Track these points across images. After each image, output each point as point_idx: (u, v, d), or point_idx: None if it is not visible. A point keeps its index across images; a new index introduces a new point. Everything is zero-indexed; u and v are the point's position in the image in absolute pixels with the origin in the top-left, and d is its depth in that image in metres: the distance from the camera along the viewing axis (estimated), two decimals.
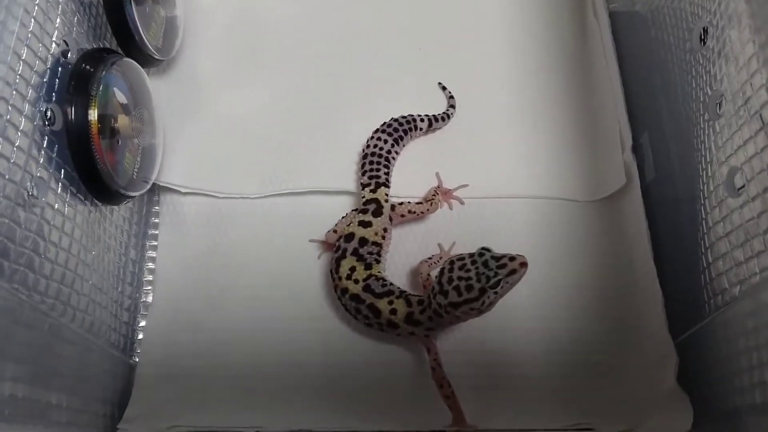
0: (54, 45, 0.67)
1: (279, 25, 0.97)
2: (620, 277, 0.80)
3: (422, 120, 0.87)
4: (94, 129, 0.67)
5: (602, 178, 0.84)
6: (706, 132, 0.69)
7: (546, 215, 0.84)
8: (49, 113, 0.64)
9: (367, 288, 0.74)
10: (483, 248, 0.69)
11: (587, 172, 0.85)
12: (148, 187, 0.80)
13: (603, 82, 0.90)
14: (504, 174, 0.86)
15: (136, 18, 0.78)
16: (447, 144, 0.88)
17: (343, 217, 0.82)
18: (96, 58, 0.71)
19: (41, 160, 0.63)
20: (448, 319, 0.71)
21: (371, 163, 0.83)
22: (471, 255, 0.69)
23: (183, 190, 0.85)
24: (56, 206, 0.65)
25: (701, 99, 0.70)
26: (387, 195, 0.82)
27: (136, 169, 0.77)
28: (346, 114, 0.90)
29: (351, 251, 0.77)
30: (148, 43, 0.80)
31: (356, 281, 0.75)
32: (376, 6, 0.98)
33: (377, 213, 0.79)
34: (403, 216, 0.81)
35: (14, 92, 0.59)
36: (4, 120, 0.57)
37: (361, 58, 0.94)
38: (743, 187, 0.62)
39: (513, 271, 0.66)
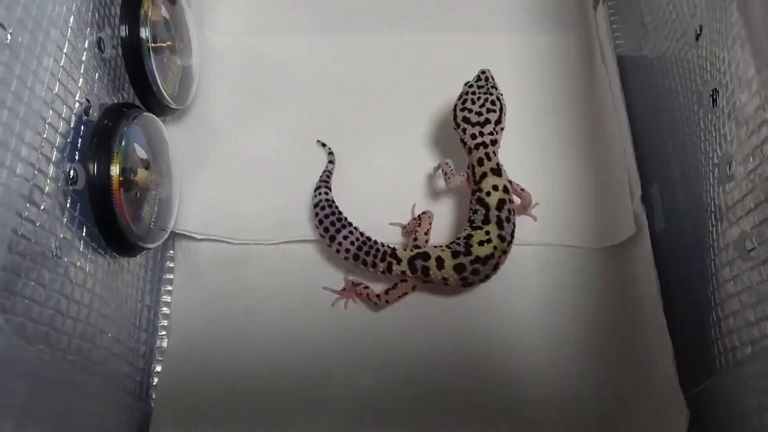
0: (77, 104, 0.68)
1: (291, 69, 0.99)
2: (630, 327, 0.81)
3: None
4: (116, 185, 0.69)
5: (612, 226, 0.85)
6: (717, 189, 0.70)
7: (556, 262, 0.85)
8: (72, 173, 0.65)
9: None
10: (465, 84, 0.86)
11: (597, 220, 0.87)
12: (166, 237, 0.81)
13: (612, 128, 0.91)
14: (516, 221, 0.86)
15: (155, 69, 0.79)
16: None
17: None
18: (117, 113, 0.72)
19: (65, 221, 0.64)
20: (500, 140, 0.83)
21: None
22: (463, 93, 0.85)
23: (198, 237, 0.87)
24: (78, 264, 0.66)
25: (711, 157, 0.71)
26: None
27: (153, 219, 0.78)
28: (361, 163, 0.91)
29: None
30: (165, 93, 0.82)
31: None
32: (388, 49, 1.00)
33: None
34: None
35: (40, 155, 0.60)
36: (31, 184, 0.58)
37: (374, 100, 0.96)
38: (754, 249, 0.63)
39: (492, 77, 0.86)
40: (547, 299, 0.83)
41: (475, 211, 0.80)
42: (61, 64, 0.65)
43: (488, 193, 0.79)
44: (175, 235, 0.88)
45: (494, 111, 0.82)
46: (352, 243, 0.80)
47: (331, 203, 0.83)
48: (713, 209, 0.71)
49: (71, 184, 0.65)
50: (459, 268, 0.77)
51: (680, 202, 0.79)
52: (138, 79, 0.78)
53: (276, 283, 0.85)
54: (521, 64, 0.98)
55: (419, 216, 0.85)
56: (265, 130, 0.94)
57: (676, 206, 0.81)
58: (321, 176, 0.87)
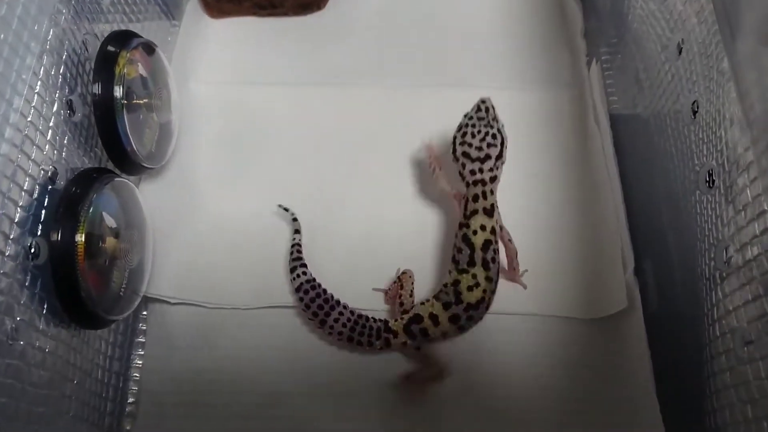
0: (42, 172, 0.64)
1: (274, 121, 0.96)
2: (621, 402, 0.77)
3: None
4: (80, 254, 0.65)
5: (603, 297, 0.82)
6: (713, 273, 0.67)
7: (545, 332, 0.82)
8: (33, 248, 0.62)
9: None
10: (464, 115, 0.82)
11: (588, 290, 0.83)
12: (137, 303, 0.78)
13: (605, 194, 0.88)
14: (504, 289, 0.83)
15: (128, 129, 0.76)
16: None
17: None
18: (86, 180, 0.69)
19: (23, 300, 0.60)
20: (500, 175, 0.80)
21: None
22: (463, 126, 0.81)
23: (172, 301, 0.83)
24: (37, 344, 0.62)
25: (708, 238, 0.68)
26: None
27: (123, 286, 0.74)
28: (344, 222, 0.88)
29: None
30: (139, 153, 0.78)
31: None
32: (374, 103, 0.97)
33: None
34: None
35: None
36: None
37: (358, 159, 0.93)
38: (751, 343, 0.60)
39: (493, 107, 0.81)
40: (536, 369, 0.80)
41: (460, 250, 0.78)
42: (26, 133, 0.62)
43: (475, 232, 0.77)
44: (147, 298, 0.84)
45: (495, 146, 0.79)
46: (344, 325, 0.77)
47: (313, 284, 0.79)
48: (708, 293, 0.68)
49: (32, 260, 0.62)
50: (454, 319, 0.76)
51: (674, 281, 0.76)
52: (110, 141, 0.75)
53: (252, 351, 0.81)
54: (512, 122, 0.94)
55: (399, 278, 0.82)
56: (245, 187, 0.91)
57: (671, 284, 0.77)
58: (291, 253, 0.82)
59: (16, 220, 0.60)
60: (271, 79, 1.00)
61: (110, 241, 0.70)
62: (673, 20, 0.81)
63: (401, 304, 0.80)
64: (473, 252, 0.76)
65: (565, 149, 0.93)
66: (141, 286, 0.79)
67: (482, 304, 0.76)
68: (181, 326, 0.83)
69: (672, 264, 0.77)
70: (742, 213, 0.61)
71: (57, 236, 0.64)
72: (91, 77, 0.74)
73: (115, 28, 0.84)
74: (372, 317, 0.79)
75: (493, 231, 0.77)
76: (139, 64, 0.80)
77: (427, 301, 0.78)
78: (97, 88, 0.73)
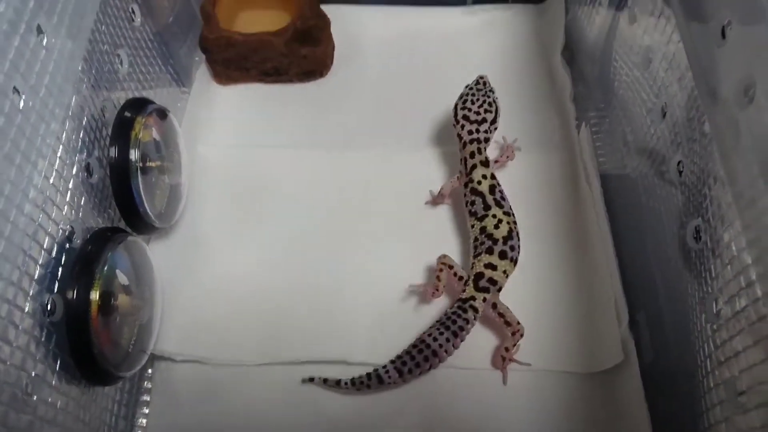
0: (60, 232, 0.67)
1: (282, 182, 1.00)
2: None
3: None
4: (94, 312, 0.67)
5: (599, 351, 0.84)
6: (704, 325, 0.69)
7: (542, 387, 0.83)
8: (50, 305, 0.64)
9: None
10: (465, 86, 0.97)
11: (583, 345, 0.85)
12: (144, 361, 0.79)
13: (598, 251, 0.91)
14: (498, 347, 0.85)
15: (142, 190, 0.80)
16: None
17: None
18: (101, 239, 0.72)
19: (38, 356, 0.62)
20: (492, 136, 0.94)
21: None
22: (463, 95, 0.97)
23: (178, 359, 0.84)
24: (50, 399, 0.64)
25: (697, 292, 0.71)
26: None
27: (132, 343, 0.76)
28: (347, 280, 0.90)
29: None
30: (151, 214, 0.81)
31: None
32: (372, 168, 1.02)
33: None
34: None
35: (18, 290, 0.59)
36: (5, 322, 0.57)
37: (358, 218, 0.96)
38: (743, 393, 0.61)
39: (488, 81, 0.98)
40: (533, 424, 0.81)
41: (473, 202, 0.89)
42: (47, 195, 0.65)
43: (479, 182, 0.89)
44: (153, 356, 0.85)
45: (490, 112, 0.93)
46: (440, 334, 0.80)
47: (404, 362, 0.80)
48: (701, 344, 0.70)
49: (48, 316, 0.64)
50: (503, 255, 0.84)
51: (668, 334, 0.78)
52: (125, 201, 0.78)
53: (258, 407, 0.82)
54: (506, 183, 0.98)
55: (440, 265, 0.86)
56: (250, 245, 0.93)
57: (665, 337, 0.80)
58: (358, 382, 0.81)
59: (36, 277, 0.62)
60: (276, 142, 1.04)
61: (122, 299, 0.73)
62: (656, 86, 0.86)
63: (460, 278, 0.85)
64: (484, 198, 0.88)
65: (559, 208, 0.97)
66: (149, 344, 0.80)
67: (513, 233, 0.86)
68: (187, 383, 0.84)
69: (665, 317, 0.80)
70: (729, 267, 0.64)
71: (73, 294, 0.66)
72: (108, 141, 0.78)
73: (130, 95, 0.89)
74: (447, 312, 0.82)
75: (493, 176, 0.91)
76: (153, 128, 0.84)
77: (473, 265, 0.85)
78: (114, 152, 0.77)
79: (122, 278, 0.73)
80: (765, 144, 0.59)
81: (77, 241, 0.70)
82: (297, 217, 0.96)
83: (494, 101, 0.95)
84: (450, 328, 0.80)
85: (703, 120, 0.72)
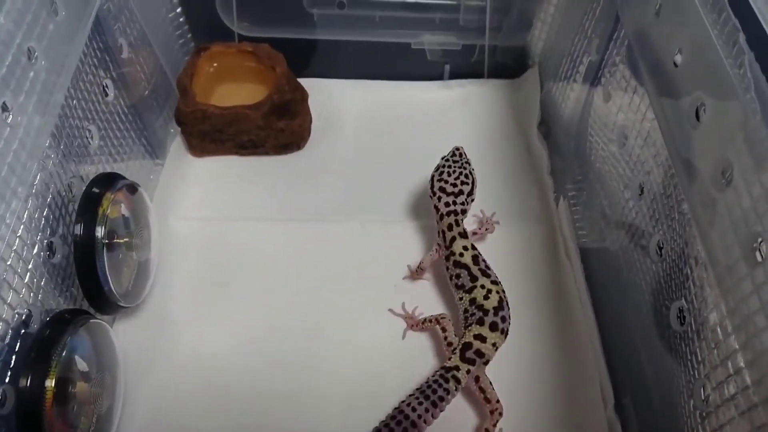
0: (16, 317, 0.64)
1: (255, 257, 0.97)
2: None
3: None
4: (49, 403, 0.63)
5: None
6: (692, 410, 0.66)
7: None
8: (0, 396, 0.59)
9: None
10: (441, 157, 0.97)
11: (569, 427, 0.82)
12: None
13: (581, 330, 0.89)
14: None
15: (107, 269, 0.76)
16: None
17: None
18: (61, 322, 0.68)
19: None
20: (469, 209, 0.93)
21: None
22: (439, 167, 0.96)
23: None
24: None
25: (684, 377, 0.68)
26: None
27: None
28: (323, 360, 0.87)
29: None
30: (116, 292, 0.78)
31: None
32: (349, 241, 1.00)
33: None
34: None
35: None
36: None
37: (336, 293, 0.94)
38: None
39: (464, 153, 0.98)
40: None
41: (458, 276, 0.87)
42: (4, 278, 0.61)
43: (461, 254, 0.88)
44: None
45: (467, 183, 0.93)
46: (420, 404, 0.77)
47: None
48: (691, 429, 0.67)
49: None
50: (494, 327, 0.82)
51: (657, 419, 0.75)
52: (88, 281, 0.75)
53: None
54: (487, 256, 0.97)
55: (439, 321, 0.87)
56: (221, 323, 0.90)
57: (653, 422, 0.76)
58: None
59: None
60: (250, 215, 1.02)
61: (81, 386, 0.68)
62: (632, 162, 0.87)
63: (449, 344, 0.84)
64: (469, 269, 0.87)
65: (539, 283, 0.95)
66: None
67: (503, 303, 0.85)
68: None
69: (652, 400, 0.77)
70: (715, 351, 0.62)
71: (26, 382, 0.62)
72: (73, 218, 0.76)
73: (101, 168, 0.87)
74: (428, 380, 0.79)
75: (474, 248, 0.90)
76: (122, 204, 0.82)
77: (463, 335, 0.83)
78: (79, 229, 0.74)
79: (81, 364, 0.69)
80: (744, 227, 0.58)
81: (34, 326, 0.66)
82: (271, 293, 0.93)
83: (470, 173, 0.94)
84: (430, 398, 0.77)
85: (681, 199, 0.72)
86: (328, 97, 1.19)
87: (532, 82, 1.19)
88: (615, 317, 0.90)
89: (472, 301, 0.85)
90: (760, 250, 0.56)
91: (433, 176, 0.95)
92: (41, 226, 0.69)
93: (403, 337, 0.89)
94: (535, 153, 1.12)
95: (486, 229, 0.99)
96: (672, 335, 0.72)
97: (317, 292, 0.94)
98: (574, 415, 0.83)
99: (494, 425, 0.79)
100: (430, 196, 0.94)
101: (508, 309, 0.85)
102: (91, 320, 0.72)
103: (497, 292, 0.85)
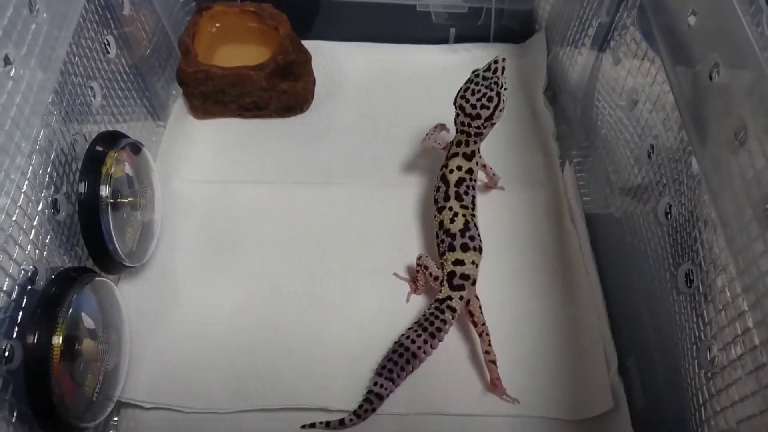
0: (22, 272, 0.63)
1: (259, 219, 0.97)
2: None
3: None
4: (56, 358, 0.63)
5: (588, 397, 0.81)
6: (697, 373, 0.67)
7: None
8: (8, 351, 0.59)
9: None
10: (473, 71, 0.90)
11: (572, 390, 0.82)
12: (110, 409, 0.74)
13: (585, 293, 0.89)
14: (487, 391, 0.82)
15: (112, 228, 0.76)
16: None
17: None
18: (67, 280, 0.68)
19: None
20: (486, 132, 0.90)
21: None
22: (468, 81, 0.89)
23: (146, 406, 0.79)
24: None
25: (690, 338, 0.69)
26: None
27: (97, 391, 0.71)
28: (326, 322, 0.87)
29: None
30: (121, 252, 0.78)
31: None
32: (352, 204, 0.99)
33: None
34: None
35: None
36: None
37: (339, 256, 0.93)
38: None
39: (502, 68, 0.89)
40: None
41: (438, 189, 0.90)
42: (9, 233, 0.61)
43: (451, 171, 0.89)
44: (120, 403, 0.80)
45: (488, 108, 0.87)
46: (418, 336, 0.79)
47: (390, 369, 0.78)
48: (695, 392, 0.67)
49: (5, 364, 0.59)
50: (465, 248, 0.84)
51: (660, 380, 0.76)
52: (93, 240, 0.74)
53: None
54: (490, 220, 0.97)
55: (419, 264, 0.87)
56: (225, 285, 0.89)
57: (656, 384, 0.77)
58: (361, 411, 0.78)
59: None
60: (253, 177, 1.02)
61: (87, 343, 0.68)
62: (640, 127, 0.86)
63: (435, 278, 0.85)
64: (448, 188, 0.88)
65: (544, 247, 0.95)
66: (115, 391, 0.76)
67: (470, 224, 0.86)
68: (155, 430, 0.79)
69: (656, 362, 0.77)
70: (723, 313, 0.63)
71: (33, 339, 0.62)
72: (77, 177, 0.75)
73: (103, 128, 0.86)
74: (425, 313, 0.82)
75: (469, 171, 0.89)
76: (126, 163, 0.81)
77: (441, 265, 0.85)
78: (83, 187, 0.74)
79: (88, 322, 0.68)
80: (758, 188, 0.58)
81: (40, 283, 0.66)
82: (274, 256, 0.93)
83: (498, 94, 0.88)
84: (428, 330, 0.80)
85: (690, 161, 0.72)
86: (332, 59, 1.17)
87: (539, 47, 1.17)
88: (619, 282, 0.90)
89: (441, 224, 0.87)
90: None
91: (459, 89, 0.91)
92: (45, 182, 0.69)
93: (407, 300, 0.89)
94: (540, 118, 1.11)
95: (493, 175, 0.97)
96: (678, 298, 0.72)
97: (320, 256, 0.93)
98: (578, 378, 0.83)
99: (488, 344, 0.81)
100: (453, 103, 0.91)
101: (477, 230, 0.87)
102: (97, 278, 0.72)
103: (463, 215, 0.86)
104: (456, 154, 0.90)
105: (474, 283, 0.84)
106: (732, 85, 0.63)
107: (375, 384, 0.78)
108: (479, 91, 0.88)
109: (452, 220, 0.86)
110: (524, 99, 1.14)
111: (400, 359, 0.78)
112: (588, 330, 0.86)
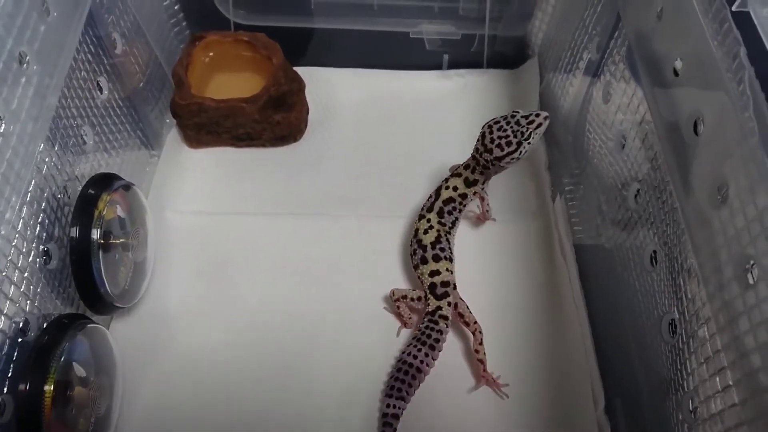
0: (13, 325, 0.64)
1: (254, 252, 0.97)
2: None
3: None
4: (47, 407, 0.64)
5: None
6: (680, 420, 0.68)
7: None
8: None
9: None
10: (514, 111, 0.88)
11: (558, 426, 0.83)
12: None
13: (573, 329, 0.90)
14: (471, 427, 0.83)
15: (103, 270, 0.77)
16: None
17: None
18: (58, 328, 0.69)
19: None
20: (494, 170, 0.90)
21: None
22: (504, 117, 0.88)
23: None
24: None
25: (674, 387, 0.69)
26: None
27: None
28: (321, 362, 0.87)
29: None
30: (113, 293, 0.78)
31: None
32: (346, 235, 1.00)
33: None
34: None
35: None
36: None
37: (337, 292, 0.94)
38: None
39: (539, 125, 0.86)
40: None
41: (429, 198, 0.93)
42: (0, 288, 0.62)
43: (447, 188, 0.92)
44: None
45: (502, 149, 0.87)
46: (419, 352, 0.82)
47: (399, 389, 0.80)
48: None
49: None
50: (437, 258, 0.88)
51: (647, 424, 0.76)
52: (84, 283, 0.75)
53: None
54: (481, 251, 0.98)
55: (395, 300, 0.89)
56: (218, 319, 0.90)
57: (643, 427, 0.78)
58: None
59: None
60: (246, 209, 1.02)
61: (79, 390, 0.69)
62: (630, 162, 0.86)
63: (418, 299, 0.88)
64: (435, 200, 0.91)
65: (533, 280, 0.96)
66: None
67: (441, 239, 0.89)
68: None
69: (643, 405, 0.78)
70: (705, 366, 0.63)
71: (25, 387, 0.63)
72: (69, 221, 0.76)
73: (96, 165, 0.87)
74: (420, 328, 0.84)
75: (462, 196, 0.91)
76: (118, 205, 0.81)
77: (419, 278, 0.89)
78: (75, 232, 0.74)
79: (79, 370, 0.69)
80: (738, 247, 0.58)
81: (31, 334, 0.66)
82: (267, 289, 0.94)
83: (517, 144, 0.86)
84: (426, 343, 0.82)
85: (677, 207, 0.72)
86: (326, 86, 1.17)
87: (532, 73, 1.18)
88: (608, 317, 0.90)
89: (416, 232, 0.90)
90: (752, 273, 0.57)
91: (491, 119, 0.90)
92: (37, 232, 0.69)
93: (398, 334, 0.90)
94: None
95: (487, 211, 0.97)
96: (663, 344, 0.73)
97: (314, 288, 0.94)
98: (564, 414, 0.84)
99: (480, 343, 0.84)
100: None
101: (449, 244, 0.89)
102: (89, 325, 0.73)
103: (437, 231, 0.89)
104: (459, 175, 0.92)
105: (455, 287, 0.87)
106: (716, 139, 0.63)
107: (388, 406, 0.79)
108: (505, 130, 0.87)
109: (426, 231, 0.89)
110: None
111: (407, 377, 0.80)
112: (576, 366, 0.87)
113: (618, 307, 0.88)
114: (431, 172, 1.08)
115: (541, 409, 0.84)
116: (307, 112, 1.12)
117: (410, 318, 0.90)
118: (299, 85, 1.10)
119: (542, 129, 0.87)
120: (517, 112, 0.88)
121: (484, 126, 0.89)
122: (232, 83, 1.09)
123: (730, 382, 0.59)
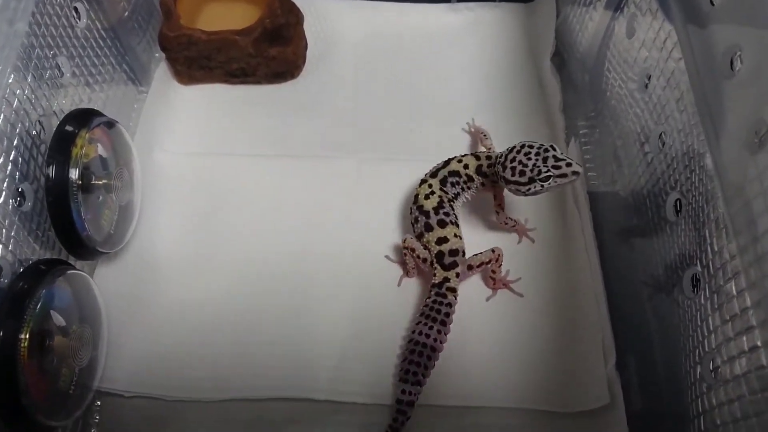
0: None
1: (244, 194, 0.92)
2: None
3: None
4: (23, 355, 0.60)
5: (584, 390, 0.78)
6: (698, 378, 0.64)
7: (524, 426, 0.77)
8: None
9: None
10: (551, 145, 0.79)
11: (567, 382, 0.79)
12: (87, 402, 0.72)
13: (585, 282, 0.85)
14: (479, 382, 0.79)
15: (84, 213, 0.72)
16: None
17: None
18: (34, 274, 0.64)
19: None
20: (499, 186, 0.85)
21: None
22: (541, 145, 0.80)
23: (127, 395, 0.77)
24: None
25: (693, 346, 0.65)
26: None
27: (73, 384, 0.69)
28: (314, 308, 0.83)
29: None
30: (95, 237, 0.74)
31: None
32: (344, 179, 0.94)
33: None
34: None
35: None
36: None
37: (329, 232, 0.89)
38: None
39: (564, 175, 0.77)
40: None
41: (437, 166, 0.88)
42: None
43: (459, 161, 0.87)
44: (99, 393, 0.78)
45: (513, 174, 0.79)
46: (430, 328, 0.77)
47: (414, 372, 0.76)
48: (695, 399, 0.64)
49: None
50: (442, 223, 0.82)
51: (660, 383, 0.73)
52: (64, 227, 0.70)
53: None
54: (489, 199, 0.92)
55: (405, 248, 0.84)
56: (210, 268, 0.86)
57: (656, 386, 0.74)
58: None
59: None
60: (240, 149, 0.97)
61: (59, 340, 0.65)
62: (652, 103, 0.80)
63: (424, 260, 0.82)
64: (441, 168, 0.87)
65: (545, 229, 0.91)
66: (93, 382, 0.74)
67: (443, 204, 0.83)
68: (138, 420, 0.77)
69: (656, 362, 0.74)
70: (730, 324, 0.59)
71: None
72: (45, 158, 0.70)
73: (77, 99, 0.81)
74: (427, 303, 0.79)
75: (468, 177, 0.86)
76: (99, 144, 0.76)
77: (425, 246, 0.83)
78: (51, 172, 0.69)
79: (58, 319, 0.65)
80: None
81: (4, 280, 0.62)
82: (261, 236, 0.89)
83: (529, 180, 0.78)
84: (437, 319, 0.77)
85: (705, 153, 0.66)
86: (325, 19, 1.10)
87: (548, 8, 1.09)
88: (623, 270, 0.86)
89: (416, 198, 0.85)
90: None
91: (524, 141, 0.81)
92: (8, 171, 0.64)
93: (399, 284, 0.85)
94: (547, 88, 1.04)
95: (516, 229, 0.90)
96: (683, 300, 0.68)
97: (310, 235, 0.89)
98: (573, 369, 0.80)
99: (499, 266, 0.83)
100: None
101: (452, 208, 0.84)
102: (69, 271, 0.68)
103: (439, 196, 0.84)
104: (477, 157, 0.87)
105: (464, 254, 0.82)
106: (756, 77, 0.57)
107: (403, 392, 0.75)
108: (529, 159, 0.78)
109: (427, 197, 0.84)
110: (529, 65, 1.07)
111: (421, 358, 0.76)
112: (586, 321, 0.83)
113: (633, 259, 0.83)
114: (436, 114, 1.02)
115: (549, 363, 0.80)
116: (305, 48, 1.05)
117: (414, 269, 0.85)
118: (297, 17, 1.02)
119: (564, 181, 0.77)
120: (555, 148, 0.79)
121: (520, 143, 0.81)
122: (225, 14, 1.02)
123: (759, 343, 0.54)
